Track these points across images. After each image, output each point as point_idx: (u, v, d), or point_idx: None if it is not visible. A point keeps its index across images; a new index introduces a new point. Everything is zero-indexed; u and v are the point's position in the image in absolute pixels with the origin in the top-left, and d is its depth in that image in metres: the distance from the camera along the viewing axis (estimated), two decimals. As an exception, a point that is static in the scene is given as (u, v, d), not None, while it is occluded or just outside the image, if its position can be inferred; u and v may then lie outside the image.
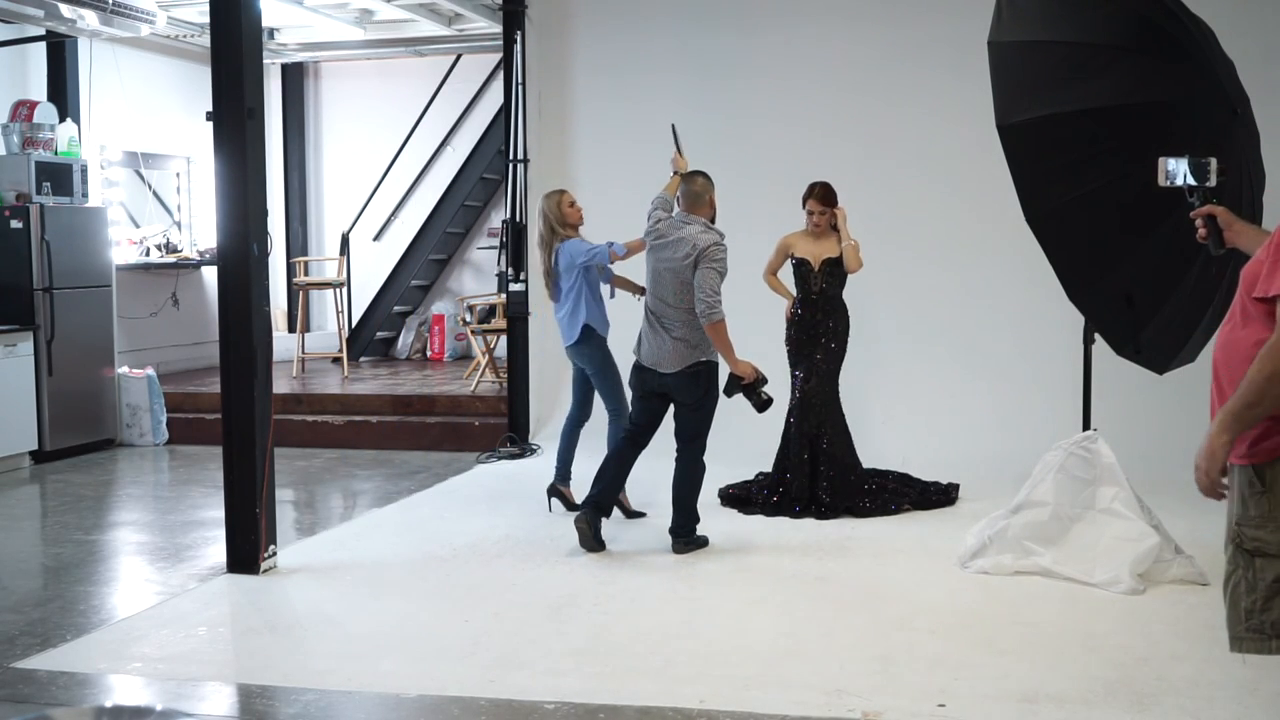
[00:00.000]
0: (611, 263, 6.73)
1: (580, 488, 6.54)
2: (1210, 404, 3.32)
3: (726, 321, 5.96)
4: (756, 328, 7.13)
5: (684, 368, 6.04)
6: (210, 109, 5.77)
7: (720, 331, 5.95)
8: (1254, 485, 3.28)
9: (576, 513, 6.28)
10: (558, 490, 6.98)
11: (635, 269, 6.70)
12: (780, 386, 7.20)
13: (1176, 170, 3.72)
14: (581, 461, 6.92)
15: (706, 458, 6.19)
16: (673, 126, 6.80)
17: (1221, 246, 3.61)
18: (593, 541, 6.09)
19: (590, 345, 6.75)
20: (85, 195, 9.34)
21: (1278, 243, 3.13)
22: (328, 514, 7.53)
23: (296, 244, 12.92)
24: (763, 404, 6.11)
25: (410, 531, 6.66)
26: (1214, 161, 3.67)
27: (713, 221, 6.19)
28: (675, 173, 6.52)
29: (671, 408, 6.20)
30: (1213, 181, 3.63)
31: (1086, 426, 5.79)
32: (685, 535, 6.14)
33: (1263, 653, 3.40)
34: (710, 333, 5.95)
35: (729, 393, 6.13)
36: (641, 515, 6.79)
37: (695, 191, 6.16)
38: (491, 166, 11.84)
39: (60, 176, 9.07)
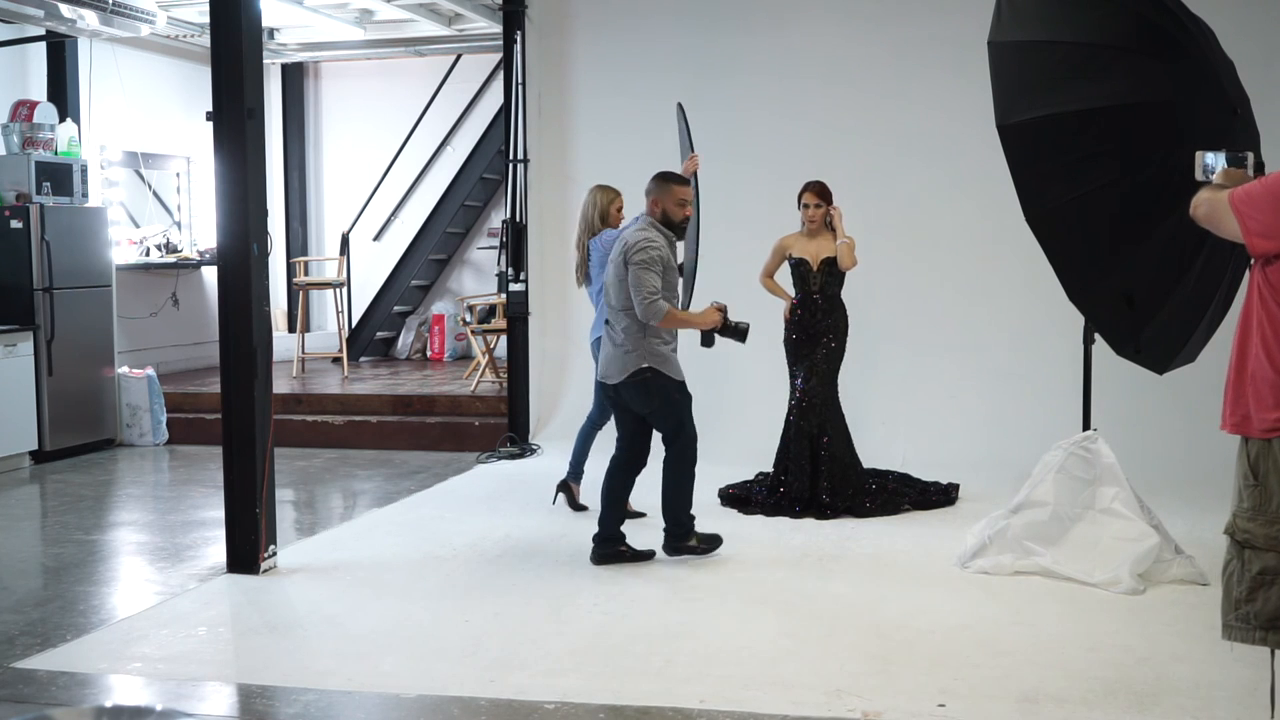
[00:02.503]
0: None
1: (591, 488, 6.52)
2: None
3: (713, 306, 5.80)
4: (755, 328, 7.10)
5: (626, 378, 5.80)
6: (210, 109, 5.77)
7: (672, 318, 5.71)
8: (1247, 479, 3.44)
9: (581, 512, 6.23)
10: (567, 487, 6.98)
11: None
12: (780, 387, 7.22)
13: (1215, 164, 3.70)
14: (595, 461, 6.87)
15: (706, 458, 6.07)
16: (679, 106, 6.72)
17: None
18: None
19: None
20: (85, 195, 9.34)
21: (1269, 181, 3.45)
22: (328, 514, 7.53)
23: (296, 244, 12.92)
24: (742, 333, 5.86)
25: (410, 531, 6.66)
26: (1251, 155, 3.67)
27: (673, 220, 5.86)
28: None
29: None
30: (1250, 175, 3.63)
31: (1086, 426, 5.79)
32: (680, 537, 6.06)
33: (1249, 642, 3.51)
34: (665, 327, 5.74)
35: (708, 344, 5.95)
36: (641, 516, 6.78)
37: (647, 189, 5.91)
38: (491, 166, 11.85)
39: (60, 176, 9.07)
